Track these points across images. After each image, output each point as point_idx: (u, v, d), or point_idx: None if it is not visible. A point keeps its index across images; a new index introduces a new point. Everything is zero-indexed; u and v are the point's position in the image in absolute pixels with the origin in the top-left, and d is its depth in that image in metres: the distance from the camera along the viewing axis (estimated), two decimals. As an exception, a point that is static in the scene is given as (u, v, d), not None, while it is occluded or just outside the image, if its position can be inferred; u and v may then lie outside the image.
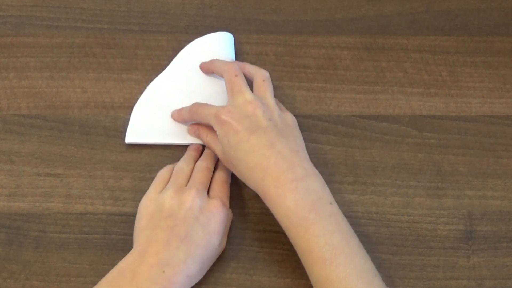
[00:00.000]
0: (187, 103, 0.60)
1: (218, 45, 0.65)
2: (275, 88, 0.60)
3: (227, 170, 0.59)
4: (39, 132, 0.62)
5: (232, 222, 0.58)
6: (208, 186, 0.57)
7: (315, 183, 0.52)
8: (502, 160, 0.62)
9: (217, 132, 0.56)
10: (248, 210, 0.59)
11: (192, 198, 0.53)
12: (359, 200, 0.59)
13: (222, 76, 0.60)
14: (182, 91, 0.63)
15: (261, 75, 0.59)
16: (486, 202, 0.60)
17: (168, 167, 0.59)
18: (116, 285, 0.50)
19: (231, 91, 0.57)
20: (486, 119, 0.64)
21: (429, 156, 0.62)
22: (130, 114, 0.62)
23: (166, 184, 0.56)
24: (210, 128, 0.58)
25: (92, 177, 0.60)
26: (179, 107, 0.62)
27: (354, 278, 0.48)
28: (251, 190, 0.59)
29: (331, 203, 0.52)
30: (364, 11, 0.69)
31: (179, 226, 0.52)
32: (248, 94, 0.56)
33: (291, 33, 0.67)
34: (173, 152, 0.61)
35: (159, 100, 0.63)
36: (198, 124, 0.60)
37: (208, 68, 0.63)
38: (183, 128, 0.61)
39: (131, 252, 0.52)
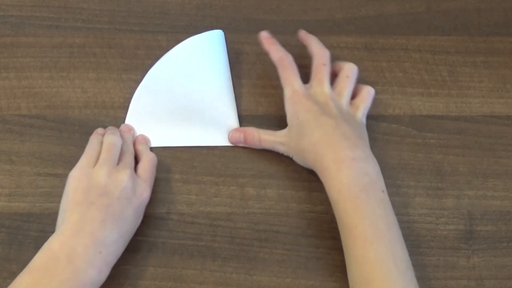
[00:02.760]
0: (179, 105, 0.61)
1: (208, 45, 0.64)
2: (276, 88, 0.60)
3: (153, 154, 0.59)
4: (39, 132, 0.62)
5: (232, 222, 0.58)
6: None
7: (372, 169, 0.54)
8: (502, 160, 0.62)
9: (288, 110, 0.58)
10: (248, 210, 0.59)
11: (127, 178, 0.54)
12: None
13: (312, 56, 0.61)
14: (174, 94, 0.62)
15: (346, 70, 0.60)
16: (486, 202, 0.60)
17: (97, 138, 0.58)
18: (51, 271, 0.48)
19: (314, 76, 0.59)
20: (486, 119, 0.64)
21: (429, 156, 0.62)
22: (130, 114, 0.62)
23: (97, 157, 0.56)
24: (255, 130, 0.60)
25: (92, 177, 0.59)
26: (172, 108, 0.62)
27: (390, 263, 0.49)
28: (251, 190, 0.59)
29: (383, 191, 0.53)
30: (364, 11, 0.70)
31: (114, 205, 0.52)
32: (326, 87, 0.58)
33: (291, 33, 0.67)
34: (173, 152, 0.61)
35: (151, 104, 0.62)
36: (242, 129, 0.61)
37: (305, 39, 0.63)
38: (178, 131, 0.62)
39: (61, 230, 0.50)
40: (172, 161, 0.61)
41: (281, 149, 0.59)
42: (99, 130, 0.60)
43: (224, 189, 0.60)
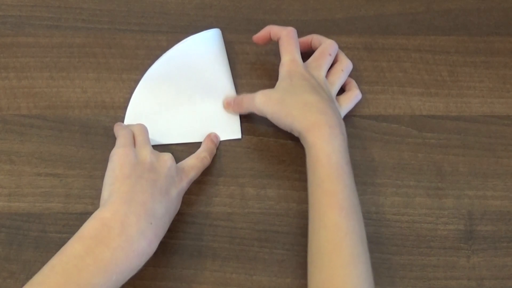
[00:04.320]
0: (178, 104, 0.61)
1: (207, 44, 0.64)
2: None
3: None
4: (39, 132, 0.62)
5: (232, 222, 0.58)
6: None
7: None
8: (502, 160, 0.62)
9: (282, 73, 0.59)
10: (248, 210, 0.59)
11: (170, 159, 0.55)
12: (359, 200, 0.59)
13: (320, 44, 0.62)
14: (173, 93, 0.62)
15: (342, 64, 0.62)
16: (486, 202, 0.60)
17: (123, 125, 0.59)
18: (104, 239, 0.47)
19: (314, 59, 0.61)
20: (486, 119, 0.64)
21: (429, 156, 0.62)
22: (130, 114, 0.62)
23: (133, 139, 0.56)
24: (240, 97, 0.61)
25: (92, 177, 0.60)
26: (171, 106, 0.62)
27: (358, 237, 0.51)
28: (251, 190, 0.59)
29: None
30: (364, 11, 0.70)
31: (161, 181, 0.52)
32: (323, 74, 0.61)
33: (291, 33, 0.67)
34: (173, 151, 0.61)
35: (150, 103, 0.62)
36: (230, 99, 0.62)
37: (307, 40, 0.64)
38: (177, 129, 0.62)
39: (112, 200, 0.50)
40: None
41: (258, 104, 0.58)
42: (120, 123, 0.60)
43: (224, 189, 0.60)
